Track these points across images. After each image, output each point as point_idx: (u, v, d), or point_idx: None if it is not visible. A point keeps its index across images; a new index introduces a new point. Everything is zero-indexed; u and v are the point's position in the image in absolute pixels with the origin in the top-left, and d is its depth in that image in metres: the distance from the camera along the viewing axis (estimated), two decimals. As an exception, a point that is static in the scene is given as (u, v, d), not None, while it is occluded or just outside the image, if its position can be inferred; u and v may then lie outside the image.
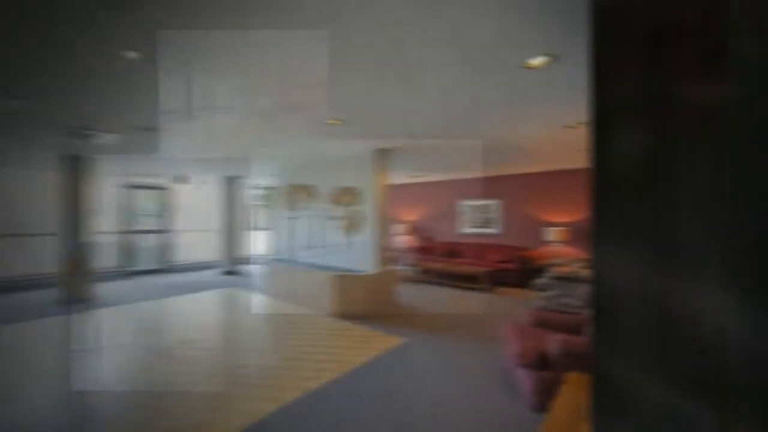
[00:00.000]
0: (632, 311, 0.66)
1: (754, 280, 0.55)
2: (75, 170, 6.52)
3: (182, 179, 9.38)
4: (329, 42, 2.35)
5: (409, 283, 8.41)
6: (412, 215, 11.09)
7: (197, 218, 11.11)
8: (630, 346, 0.67)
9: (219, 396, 3.15)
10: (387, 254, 6.26)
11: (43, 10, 1.97)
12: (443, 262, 8.76)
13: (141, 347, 4.32)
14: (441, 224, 10.32)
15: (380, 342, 4.49)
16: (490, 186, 9.19)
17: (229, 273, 9.77)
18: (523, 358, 3.03)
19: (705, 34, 0.59)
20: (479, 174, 9.02)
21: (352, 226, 6.47)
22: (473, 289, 7.71)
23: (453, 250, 9.43)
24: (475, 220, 9.54)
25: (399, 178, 9.76)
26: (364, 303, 5.70)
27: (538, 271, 7.44)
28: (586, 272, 5.58)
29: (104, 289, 7.54)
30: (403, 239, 10.39)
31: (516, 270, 7.89)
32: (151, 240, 10.11)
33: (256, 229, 12.36)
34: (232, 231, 9.98)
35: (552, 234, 7.66)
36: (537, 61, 2.61)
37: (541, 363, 2.96)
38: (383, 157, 6.13)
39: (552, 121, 4.21)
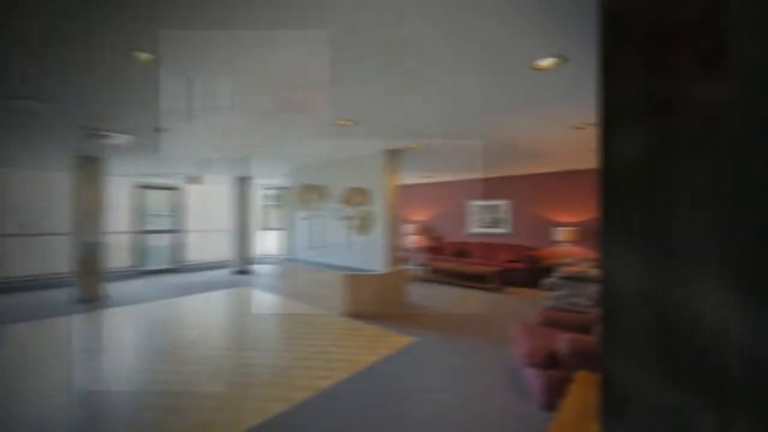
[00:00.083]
0: (640, 310, 0.67)
1: (754, 280, 0.56)
2: (88, 171, 6.60)
3: (194, 179, 9.47)
4: (341, 43, 2.39)
5: (419, 282, 8.44)
6: (422, 215, 11.10)
7: (209, 218, 11.23)
8: (638, 345, 0.67)
9: (230, 395, 3.18)
10: (397, 254, 6.28)
11: (56, 12, 2.01)
12: (453, 261, 8.77)
13: (153, 347, 4.38)
14: (450, 224, 10.33)
15: (391, 341, 4.52)
16: (499, 186, 9.18)
17: (241, 273, 9.87)
18: (532, 357, 3.04)
19: (712, 35, 0.60)
20: (488, 174, 9.02)
21: (362, 226, 6.50)
22: (482, 288, 7.71)
23: (462, 250, 9.42)
24: (484, 220, 9.53)
25: (409, 178, 9.78)
26: (374, 302, 5.73)
27: (547, 270, 7.41)
28: (594, 272, 5.55)
29: (117, 288, 7.67)
30: (413, 239, 10.41)
31: (525, 270, 7.86)
32: (163, 240, 10.24)
33: (267, 228, 12.46)
34: (243, 231, 10.09)
35: (561, 234, 7.63)
36: (546, 62, 2.62)
37: (550, 362, 2.96)
38: (394, 157, 6.16)
39: (560, 122, 4.21)
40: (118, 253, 8.92)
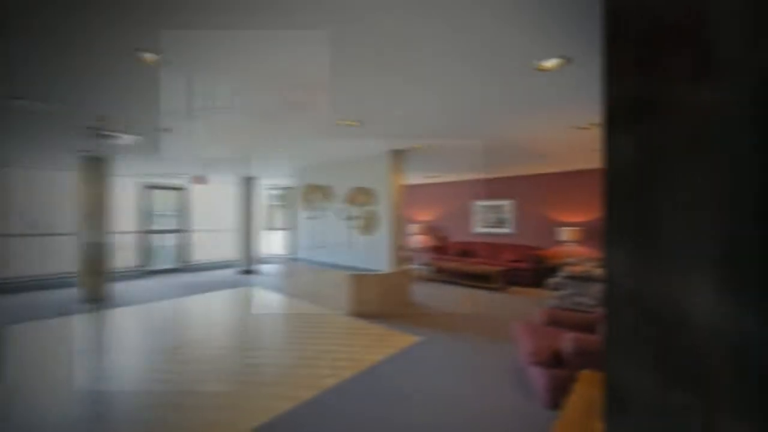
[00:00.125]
0: (642, 310, 0.68)
1: (754, 281, 0.56)
2: (93, 171, 6.63)
3: (200, 180, 9.51)
4: (346, 44, 2.41)
5: (423, 282, 8.45)
6: (426, 215, 11.10)
7: (215, 218, 11.29)
8: (640, 345, 0.68)
9: (236, 394, 3.20)
10: (402, 254, 6.29)
11: (62, 12, 2.03)
12: (457, 261, 8.77)
13: (158, 346, 4.41)
14: (455, 224, 10.32)
15: (396, 341, 4.53)
16: (504, 186, 9.18)
17: (246, 272, 9.92)
18: (536, 356, 3.05)
19: (717, 36, 0.61)
20: (493, 174, 9.02)
21: (367, 226, 6.52)
22: (487, 288, 7.70)
23: (467, 250, 9.42)
24: (488, 220, 9.52)
25: (414, 178, 9.79)
26: (379, 302, 5.75)
27: (552, 270, 7.40)
28: (599, 271, 5.53)
29: (123, 288, 7.73)
30: (417, 239, 10.41)
31: (529, 269, 7.86)
32: (168, 240, 10.31)
33: (272, 228, 12.50)
34: (249, 231, 10.14)
35: (565, 233, 7.62)
36: (550, 63, 2.63)
37: (554, 361, 2.97)
38: (398, 157, 6.17)
39: (565, 122, 4.20)
40: (123, 253, 8.96)
